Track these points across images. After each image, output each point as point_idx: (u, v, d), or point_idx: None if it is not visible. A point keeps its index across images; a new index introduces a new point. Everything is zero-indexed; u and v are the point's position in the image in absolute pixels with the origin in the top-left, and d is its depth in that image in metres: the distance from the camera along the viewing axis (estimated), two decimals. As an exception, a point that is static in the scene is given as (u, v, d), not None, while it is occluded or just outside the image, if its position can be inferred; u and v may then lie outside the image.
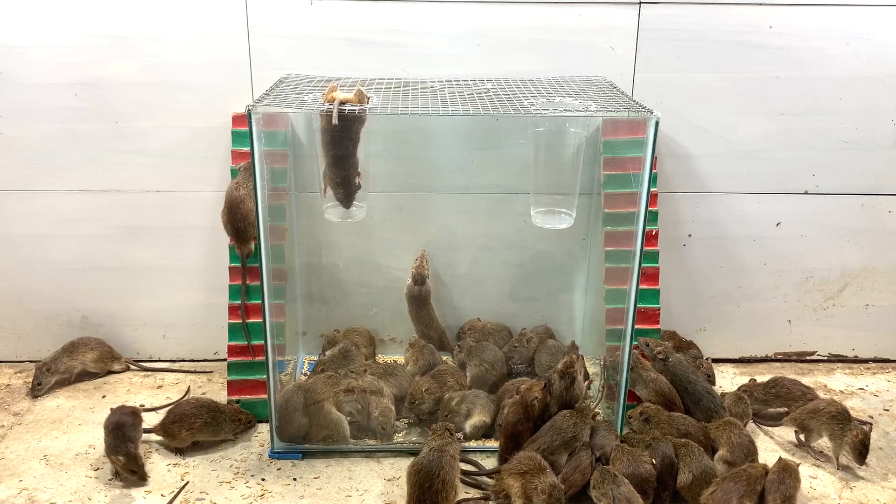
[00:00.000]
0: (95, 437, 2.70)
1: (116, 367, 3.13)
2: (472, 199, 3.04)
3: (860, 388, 3.15)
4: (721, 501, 2.28)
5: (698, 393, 2.74)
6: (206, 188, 3.00)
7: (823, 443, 2.67)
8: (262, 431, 2.76)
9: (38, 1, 2.79)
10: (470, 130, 2.95)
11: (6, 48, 2.83)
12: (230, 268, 2.84)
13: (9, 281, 3.10)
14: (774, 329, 3.30)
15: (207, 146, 2.95)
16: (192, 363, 3.20)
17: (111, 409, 2.62)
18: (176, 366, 3.19)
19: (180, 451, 2.64)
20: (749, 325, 3.28)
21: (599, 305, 2.92)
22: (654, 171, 2.45)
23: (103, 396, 2.98)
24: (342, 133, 2.47)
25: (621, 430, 2.63)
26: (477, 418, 2.69)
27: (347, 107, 2.34)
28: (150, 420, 2.70)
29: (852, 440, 2.53)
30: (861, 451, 2.53)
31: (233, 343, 2.83)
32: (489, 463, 2.60)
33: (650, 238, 2.80)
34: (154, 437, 2.66)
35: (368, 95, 2.42)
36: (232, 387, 2.83)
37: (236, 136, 2.90)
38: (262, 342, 2.56)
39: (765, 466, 2.40)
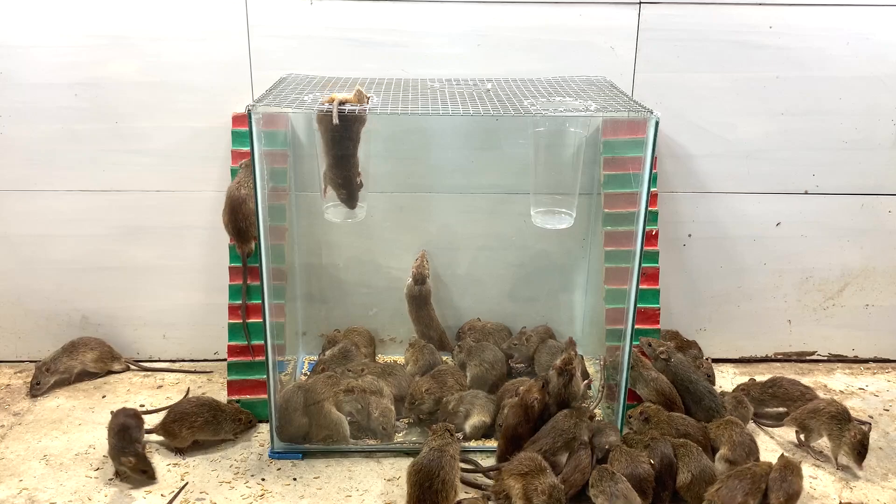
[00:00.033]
0: (95, 437, 2.70)
1: (116, 367, 3.13)
2: (472, 199, 3.04)
3: (860, 388, 3.15)
4: (726, 499, 2.28)
5: (700, 392, 2.74)
6: (206, 188, 3.00)
7: (823, 443, 2.67)
8: (262, 431, 2.76)
9: (38, 1, 2.79)
10: (470, 130, 2.95)
11: (6, 48, 2.83)
12: (230, 268, 2.84)
13: (9, 281, 3.10)
14: (774, 329, 3.30)
15: (207, 146, 2.95)
16: (192, 363, 3.21)
17: (111, 412, 2.62)
18: (176, 366, 3.19)
19: (180, 451, 2.64)
20: (749, 325, 3.28)
21: (599, 305, 2.92)
22: (654, 171, 2.45)
23: (103, 396, 2.98)
24: (343, 133, 2.47)
25: (621, 431, 2.62)
26: (476, 418, 2.68)
27: (347, 107, 2.34)
28: (150, 421, 2.70)
29: (850, 440, 2.54)
30: (860, 451, 2.53)
31: (233, 343, 2.83)
32: (488, 463, 2.59)
33: (650, 238, 2.80)
34: (153, 437, 2.66)
35: (368, 95, 2.42)
36: (232, 387, 2.83)
37: (236, 136, 2.90)
38: (262, 342, 2.56)
39: (769, 465, 2.40)
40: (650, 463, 2.38)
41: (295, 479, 2.54)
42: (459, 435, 2.57)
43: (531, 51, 2.91)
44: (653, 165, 2.38)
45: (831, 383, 3.18)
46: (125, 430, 2.53)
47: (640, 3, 2.86)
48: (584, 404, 2.74)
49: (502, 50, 2.90)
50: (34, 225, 3.03)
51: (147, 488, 2.46)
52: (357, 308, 3.18)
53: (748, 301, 3.25)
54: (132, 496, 2.44)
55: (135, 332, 3.19)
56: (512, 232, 3.09)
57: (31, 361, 3.12)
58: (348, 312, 3.18)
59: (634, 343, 2.67)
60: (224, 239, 2.85)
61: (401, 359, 3.12)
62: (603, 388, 2.92)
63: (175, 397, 2.92)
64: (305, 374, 3.05)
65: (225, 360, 2.86)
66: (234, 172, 2.83)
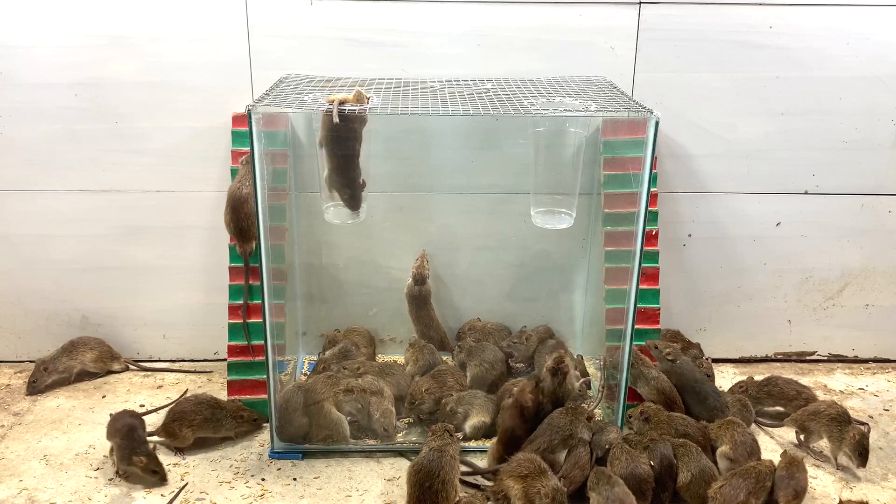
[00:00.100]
0: (95, 437, 2.70)
1: (116, 366, 3.13)
2: (472, 199, 3.04)
3: (860, 388, 3.15)
4: (729, 497, 2.28)
5: (705, 392, 2.74)
6: (206, 188, 3.00)
7: (823, 443, 2.67)
8: (262, 431, 2.76)
9: (38, 1, 2.79)
10: (470, 130, 2.95)
11: (6, 48, 2.83)
12: (230, 268, 2.84)
13: (9, 281, 3.10)
14: (774, 329, 3.30)
15: (207, 146, 2.95)
16: (192, 363, 3.21)
17: (111, 415, 2.62)
18: (176, 366, 3.19)
19: (181, 451, 2.64)
20: (749, 325, 3.28)
21: (599, 305, 2.92)
22: (654, 171, 2.45)
23: (103, 396, 2.98)
24: (344, 134, 2.47)
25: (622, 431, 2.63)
26: (476, 419, 2.68)
27: (347, 107, 2.35)
28: (150, 422, 2.71)
29: (851, 442, 2.53)
30: (860, 452, 2.53)
31: (233, 343, 2.83)
32: (484, 463, 2.59)
33: (650, 238, 2.80)
34: (154, 438, 2.65)
35: (368, 96, 2.42)
36: (232, 387, 2.83)
37: (236, 136, 2.90)
38: (262, 342, 2.56)
39: (772, 463, 2.40)
40: (650, 464, 2.38)
41: (295, 479, 2.54)
42: (459, 435, 2.57)
43: (531, 51, 2.90)
44: (653, 165, 2.38)
45: (831, 383, 3.18)
46: (132, 430, 2.52)
47: (640, 3, 2.86)
48: (583, 404, 2.74)
49: (502, 50, 2.90)
50: (34, 225, 3.03)
51: (147, 488, 2.46)
52: (357, 308, 3.18)
53: (748, 301, 3.25)
54: (132, 496, 2.44)
55: (135, 332, 3.19)
56: (512, 232, 3.09)
57: (30, 361, 3.12)
58: (348, 312, 3.18)
59: (636, 343, 2.67)
60: (224, 239, 2.85)
61: (401, 359, 3.12)
62: (603, 388, 2.92)
63: (175, 397, 2.91)
64: (305, 374, 3.05)
65: (225, 360, 2.86)
66: (234, 172, 2.83)
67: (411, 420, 2.78)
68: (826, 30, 2.90)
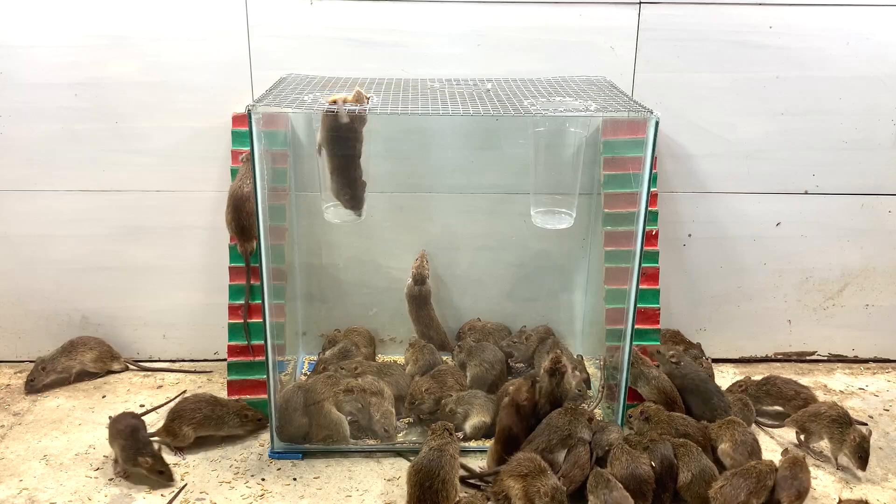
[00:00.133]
0: (95, 437, 2.70)
1: (115, 366, 3.13)
2: (472, 199, 3.04)
3: (860, 388, 3.15)
4: (729, 497, 2.28)
5: (710, 391, 2.75)
6: (206, 188, 3.00)
7: (824, 443, 2.67)
8: (262, 431, 2.76)
9: (38, 1, 2.79)
10: (470, 130, 2.95)
11: (6, 48, 2.83)
12: (230, 268, 2.84)
13: (9, 281, 3.10)
14: (774, 329, 3.30)
15: (207, 146, 2.95)
16: (192, 363, 3.21)
17: (111, 418, 2.61)
18: (176, 366, 3.19)
19: (181, 451, 2.64)
20: (749, 325, 3.28)
21: (599, 305, 2.92)
22: (654, 171, 2.45)
23: (103, 396, 2.98)
24: (345, 134, 2.47)
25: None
26: (477, 419, 2.68)
27: (347, 106, 2.35)
28: (149, 423, 2.71)
29: (851, 444, 2.53)
30: (860, 455, 2.53)
31: (233, 343, 2.83)
32: (483, 463, 2.59)
33: (650, 238, 2.80)
34: (154, 439, 2.65)
35: (368, 96, 2.42)
36: (232, 387, 2.83)
37: (236, 136, 2.90)
38: (262, 342, 2.56)
39: (773, 463, 2.40)
40: (651, 465, 2.38)
41: (295, 479, 2.54)
42: (459, 434, 2.57)
43: (531, 51, 2.90)
44: (653, 165, 2.38)
45: (831, 383, 3.18)
46: (135, 431, 2.52)
47: (640, 3, 2.86)
48: (583, 405, 2.74)
49: (502, 50, 2.90)
50: (34, 225, 3.03)
51: (147, 488, 2.46)
52: (357, 308, 3.18)
53: (748, 301, 3.25)
54: (132, 496, 2.44)
55: (135, 332, 3.19)
56: (512, 232, 3.09)
57: (30, 361, 3.11)
58: (348, 312, 3.18)
59: (636, 343, 2.67)
60: (224, 239, 2.85)
61: (401, 359, 3.12)
62: (603, 388, 2.92)
63: (175, 397, 2.91)
64: (305, 374, 3.05)
65: (225, 360, 2.86)
66: (234, 172, 2.83)
67: (411, 420, 2.78)
68: (826, 30, 2.90)
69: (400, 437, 2.71)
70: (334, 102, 2.35)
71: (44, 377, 2.98)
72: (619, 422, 2.64)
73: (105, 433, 2.62)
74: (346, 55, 2.88)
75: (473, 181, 3.01)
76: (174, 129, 2.94)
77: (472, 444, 2.67)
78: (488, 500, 2.38)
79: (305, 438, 2.65)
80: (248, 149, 2.37)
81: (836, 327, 3.30)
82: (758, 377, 2.96)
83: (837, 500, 2.37)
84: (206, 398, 2.68)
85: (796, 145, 3.04)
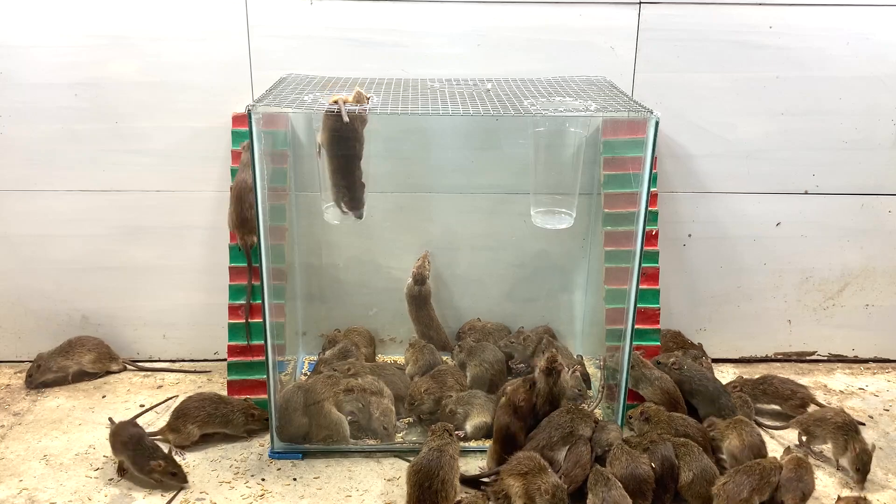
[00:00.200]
0: (95, 437, 2.70)
1: (114, 367, 3.12)
2: (472, 199, 3.04)
3: (860, 388, 3.15)
4: (733, 494, 2.28)
5: (717, 391, 2.75)
6: (206, 188, 3.00)
7: (826, 445, 2.66)
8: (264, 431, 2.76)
9: (38, 1, 2.79)
10: (470, 130, 2.95)
11: (6, 48, 2.83)
12: (230, 268, 2.84)
13: (9, 281, 3.10)
14: (774, 329, 3.30)
15: (207, 146, 2.95)
16: (192, 363, 3.20)
17: (111, 431, 2.58)
18: (176, 366, 3.19)
19: (182, 450, 2.63)
20: (749, 325, 3.28)
21: (599, 305, 2.92)
22: (654, 171, 2.45)
23: (103, 396, 2.98)
24: (345, 134, 2.47)
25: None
26: (477, 419, 2.68)
27: (347, 106, 2.35)
28: (144, 422, 2.71)
29: (852, 454, 2.52)
30: (859, 467, 2.51)
31: (233, 343, 2.83)
32: (483, 463, 2.59)
33: (650, 238, 2.80)
34: (155, 439, 2.65)
35: (368, 96, 2.42)
36: (232, 387, 2.83)
37: (236, 136, 2.90)
38: (262, 342, 2.56)
39: (776, 460, 2.40)
40: (651, 466, 2.38)
41: (295, 479, 2.53)
42: (460, 433, 2.57)
43: (531, 51, 2.91)
44: (653, 165, 2.38)
45: (831, 383, 3.18)
46: (140, 439, 2.49)
47: (640, 3, 2.86)
48: (583, 404, 2.74)
49: (502, 50, 2.91)
50: (34, 225, 3.03)
51: (147, 488, 2.46)
52: (357, 308, 3.18)
53: (748, 301, 3.25)
54: (132, 496, 2.44)
55: (135, 332, 3.19)
56: (512, 232, 3.09)
57: (30, 362, 3.11)
58: (348, 312, 3.18)
59: (635, 344, 2.67)
60: (224, 239, 2.85)
61: (401, 359, 3.12)
62: (603, 388, 2.92)
63: (175, 398, 2.91)
64: (305, 374, 3.05)
65: (225, 360, 2.86)
66: (234, 172, 2.83)
67: (411, 420, 2.78)
68: (826, 30, 2.90)
69: (399, 438, 2.71)
70: (335, 102, 2.35)
71: (39, 375, 2.98)
72: (620, 422, 2.64)
73: (105, 433, 2.62)
74: (346, 55, 2.88)
75: (473, 181, 3.01)
76: (174, 129, 2.94)
77: (473, 445, 2.67)
78: (489, 499, 2.38)
79: (305, 438, 2.65)
80: (247, 140, 2.34)
81: (836, 327, 3.30)
82: (756, 377, 2.96)
83: (837, 498, 2.36)
84: (209, 396, 2.68)
85: (796, 145, 3.04)
